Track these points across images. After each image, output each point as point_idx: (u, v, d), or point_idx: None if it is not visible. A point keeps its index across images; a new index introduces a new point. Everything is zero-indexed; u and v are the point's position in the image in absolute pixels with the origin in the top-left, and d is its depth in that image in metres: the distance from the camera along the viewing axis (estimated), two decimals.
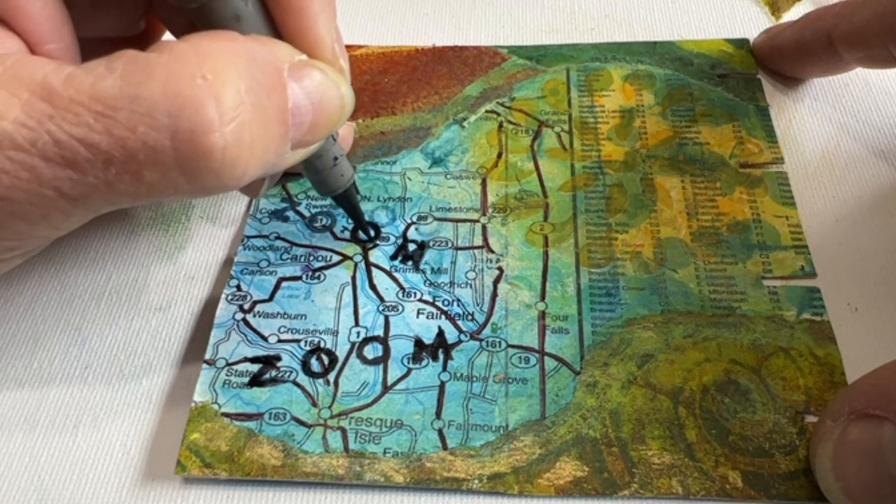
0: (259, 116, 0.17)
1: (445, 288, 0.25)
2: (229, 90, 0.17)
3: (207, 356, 0.24)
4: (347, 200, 0.25)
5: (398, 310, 0.25)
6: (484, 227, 0.27)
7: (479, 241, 0.26)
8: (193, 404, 0.23)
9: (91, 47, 0.20)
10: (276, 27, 0.20)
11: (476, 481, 0.21)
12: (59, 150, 0.16)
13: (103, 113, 0.16)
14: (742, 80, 0.31)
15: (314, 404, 0.23)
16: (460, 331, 0.24)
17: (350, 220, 0.27)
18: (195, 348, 0.25)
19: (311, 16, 0.20)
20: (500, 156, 0.29)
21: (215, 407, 0.23)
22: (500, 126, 0.30)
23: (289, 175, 0.28)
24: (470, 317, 0.25)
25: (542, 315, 0.24)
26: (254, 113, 0.17)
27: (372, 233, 0.27)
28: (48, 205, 0.17)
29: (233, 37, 0.18)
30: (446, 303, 0.25)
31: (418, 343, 0.24)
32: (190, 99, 0.16)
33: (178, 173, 0.17)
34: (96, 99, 0.16)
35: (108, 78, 0.16)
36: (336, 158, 0.23)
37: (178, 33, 0.23)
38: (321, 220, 0.27)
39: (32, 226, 0.18)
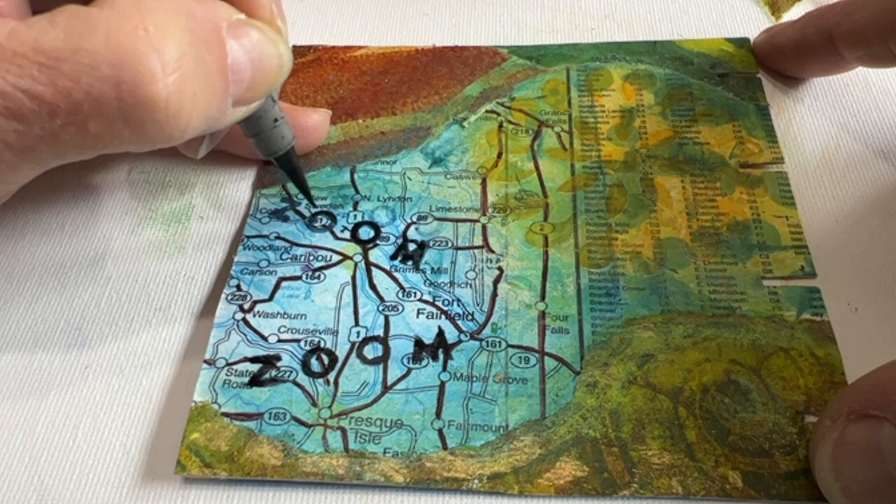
0: (200, 70, 0.18)
1: (445, 288, 0.25)
2: (170, 42, 0.17)
3: (207, 356, 0.24)
4: (288, 163, 0.25)
5: (398, 310, 0.25)
6: (484, 227, 0.27)
7: (479, 240, 0.26)
8: (193, 404, 0.23)
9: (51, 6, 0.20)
10: None
11: (476, 481, 0.21)
12: (3, 102, 0.17)
13: (47, 65, 0.16)
14: (742, 79, 0.31)
15: (314, 404, 0.23)
16: (460, 331, 0.24)
17: (349, 220, 0.27)
18: (195, 348, 0.25)
19: None
20: (500, 156, 0.29)
21: (215, 407, 0.23)
22: (500, 126, 0.30)
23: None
24: (470, 317, 0.25)
25: (542, 315, 0.24)
26: (195, 66, 0.18)
27: (317, 204, 0.27)
28: None
29: None
30: (446, 303, 0.25)
31: (418, 343, 0.24)
32: (132, 50, 0.17)
33: (122, 124, 0.17)
34: (39, 52, 0.16)
35: (50, 31, 0.17)
36: (276, 120, 0.24)
37: None
38: (321, 220, 0.27)
39: None
